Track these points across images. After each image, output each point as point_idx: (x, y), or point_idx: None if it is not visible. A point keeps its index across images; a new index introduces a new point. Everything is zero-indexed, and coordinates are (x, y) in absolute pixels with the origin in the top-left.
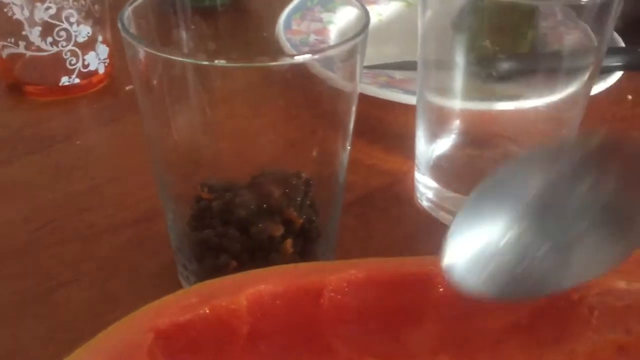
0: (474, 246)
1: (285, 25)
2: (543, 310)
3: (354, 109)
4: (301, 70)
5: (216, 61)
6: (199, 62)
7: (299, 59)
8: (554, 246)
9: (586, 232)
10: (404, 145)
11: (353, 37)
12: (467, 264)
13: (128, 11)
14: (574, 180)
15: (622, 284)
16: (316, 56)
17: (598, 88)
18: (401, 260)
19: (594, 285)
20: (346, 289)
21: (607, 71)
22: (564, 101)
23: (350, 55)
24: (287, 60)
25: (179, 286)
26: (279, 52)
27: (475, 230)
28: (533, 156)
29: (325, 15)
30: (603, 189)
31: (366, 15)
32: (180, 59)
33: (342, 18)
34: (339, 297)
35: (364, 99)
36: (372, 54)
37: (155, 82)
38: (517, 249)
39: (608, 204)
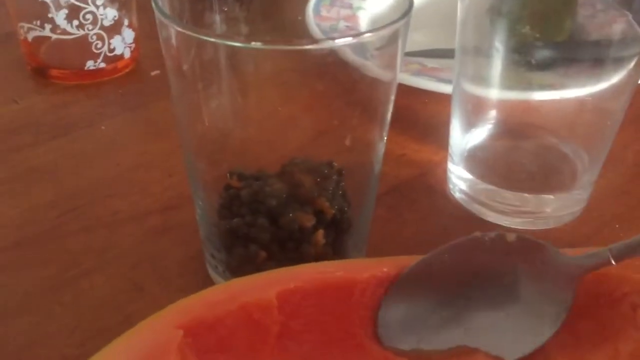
0: (401, 320)
1: (315, 11)
2: (584, 308)
3: (392, 98)
4: (336, 57)
5: (252, 43)
6: (234, 44)
7: (340, 42)
8: (470, 329)
9: (503, 319)
10: (436, 135)
11: (395, 21)
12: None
13: None
14: (492, 271)
15: None
16: (356, 40)
17: None
18: None
19: (636, 282)
20: (379, 288)
21: None
22: (608, 92)
23: (391, 41)
24: (326, 44)
25: (206, 275)
26: (311, 37)
27: (403, 306)
28: (458, 245)
29: (355, 2)
30: (517, 282)
31: None
32: (215, 40)
33: (373, 4)
34: (372, 295)
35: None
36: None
37: (187, 65)
38: (437, 325)
39: (522, 296)
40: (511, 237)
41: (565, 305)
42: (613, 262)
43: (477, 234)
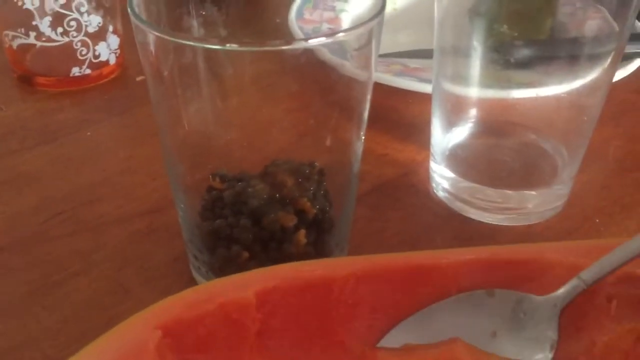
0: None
1: (297, 14)
2: None
3: (368, 97)
4: (314, 58)
5: (227, 45)
6: (210, 47)
7: (313, 42)
8: None
9: None
10: (419, 135)
11: (368, 21)
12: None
13: None
14: (489, 326)
15: None
16: (330, 40)
17: (620, 75)
18: (413, 255)
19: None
20: (358, 285)
21: (629, 58)
22: (585, 88)
23: (366, 41)
24: (300, 44)
25: (190, 277)
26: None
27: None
28: (458, 300)
29: (338, 4)
30: (503, 334)
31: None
32: (192, 43)
33: (355, 6)
34: (350, 292)
35: (378, 87)
36: (386, 43)
37: (166, 69)
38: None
39: (509, 345)
40: (491, 294)
41: (552, 342)
42: (586, 287)
43: (461, 295)
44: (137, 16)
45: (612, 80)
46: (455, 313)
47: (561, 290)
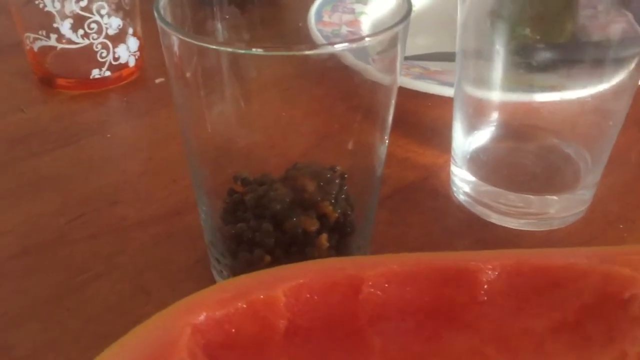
0: None
1: (317, 17)
2: (592, 309)
3: (393, 101)
4: (338, 62)
5: (253, 49)
6: (235, 51)
7: (339, 47)
8: None
9: None
10: (439, 138)
11: (394, 26)
12: None
13: (164, 0)
14: None
15: None
16: (355, 45)
17: None
18: (441, 255)
19: None
20: (385, 285)
21: None
22: (609, 92)
23: (391, 45)
24: (326, 49)
25: (211, 280)
26: (313, 43)
27: None
28: None
29: (357, 7)
30: None
31: (407, 3)
32: (217, 47)
33: (375, 9)
34: (378, 292)
35: (398, 90)
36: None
37: (190, 72)
38: None
39: None
40: None
41: None
42: None
43: None
44: (162, 19)
45: (637, 84)
46: None
47: None
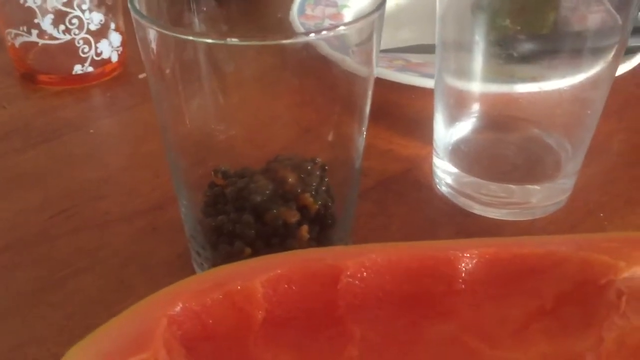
0: None
1: (299, 10)
2: (569, 295)
3: (370, 93)
4: (316, 53)
5: (228, 40)
6: (210, 41)
7: (314, 36)
8: None
9: None
10: (422, 130)
11: (369, 14)
12: None
13: None
14: None
15: None
16: (331, 33)
17: (623, 69)
18: (420, 245)
19: (621, 269)
20: (364, 274)
21: (632, 51)
22: (588, 82)
23: (367, 36)
24: (301, 39)
25: (193, 273)
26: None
27: None
28: None
29: (340, 0)
30: None
31: None
32: (192, 38)
33: (357, 2)
34: (357, 282)
35: (380, 83)
36: (388, 39)
37: (167, 65)
38: None
39: None
40: None
41: None
42: None
43: None
44: (137, 12)
45: (615, 74)
46: None
47: None
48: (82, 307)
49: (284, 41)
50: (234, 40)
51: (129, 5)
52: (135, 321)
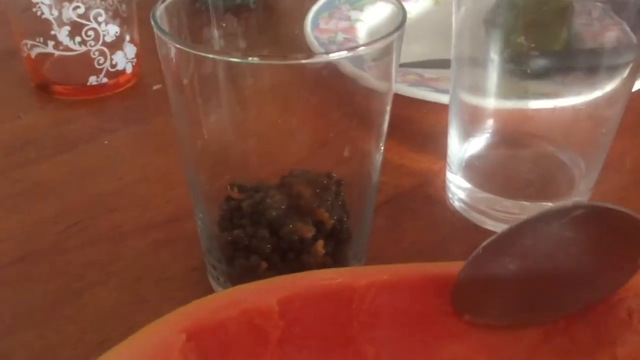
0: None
1: (313, 24)
2: (580, 314)
3: (388, 109)
4: (333, 69)
5: (249, 58)
6: (231, 59)
7: (334, 56)
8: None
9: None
10: (435, 145)
11: (389, 34)
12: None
13: (160, 9)
14: (562, 239)
15: None
16: (351, 53)
17: (638, 86)
18: (433, 266)
19: (631, 287)
20: (378, 294)
21: None
22: (602, 100)
23: (386, 53)
24: (321, 58)
25: (208, 287)
26: (309, 50)
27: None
28: (536, 218)
29: (353, 14)
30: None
31: (402, 11)
32: (213, 56)
33: (371, 16)
34: (371, 302)
35: (393, 97)
36: (401, 53)
37: (186, 80)
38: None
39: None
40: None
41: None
42: None
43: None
44: (159, 28)
45: (630, 91)
46: (541, 231)
47: None
48: (97, 320)
49: (305, 61)
50: (255, 59)
51: (152, 21)
52: (154, 337)
